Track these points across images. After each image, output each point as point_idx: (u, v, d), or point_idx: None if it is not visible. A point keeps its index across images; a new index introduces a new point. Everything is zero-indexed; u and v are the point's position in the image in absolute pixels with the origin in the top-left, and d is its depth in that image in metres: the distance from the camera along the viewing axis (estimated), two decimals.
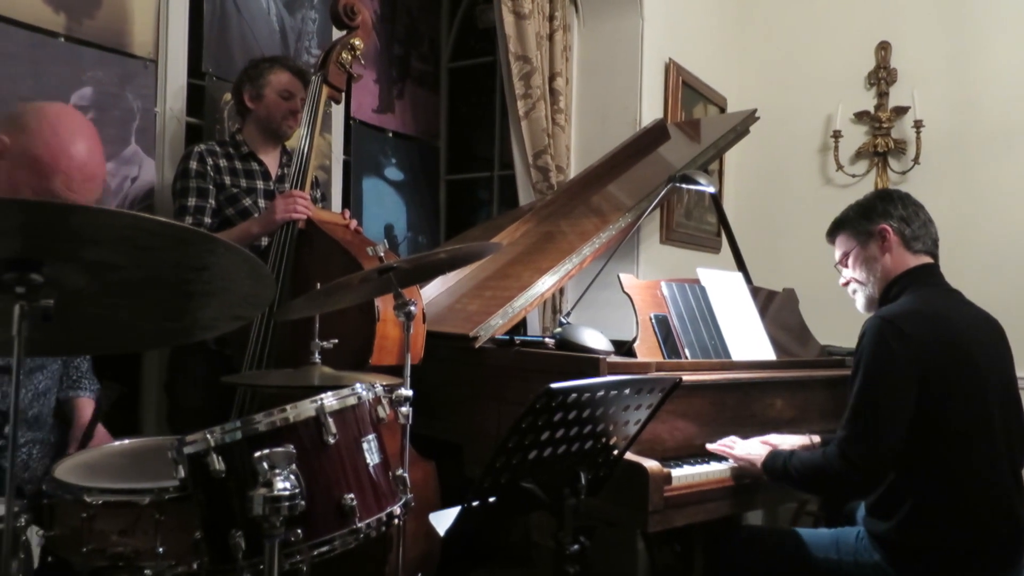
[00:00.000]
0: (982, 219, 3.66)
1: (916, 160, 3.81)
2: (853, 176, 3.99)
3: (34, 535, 1.48)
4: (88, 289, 1.23)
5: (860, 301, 2.12)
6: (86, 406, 2.05)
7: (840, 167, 4.01)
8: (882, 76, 3.95)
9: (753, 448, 2.12)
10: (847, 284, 2.14)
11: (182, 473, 1.40)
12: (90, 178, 1.78)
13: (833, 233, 2.17)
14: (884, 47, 3.95)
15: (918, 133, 3.78)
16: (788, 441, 2.20)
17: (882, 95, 3.95)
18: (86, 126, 1.81)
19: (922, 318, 1.88)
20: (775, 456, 2.01)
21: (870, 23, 3.99)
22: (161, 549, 1.46)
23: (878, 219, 2.05)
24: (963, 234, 3.56)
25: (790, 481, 1.98)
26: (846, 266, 2.13)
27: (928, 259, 2.03)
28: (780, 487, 2.15)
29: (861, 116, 4.01)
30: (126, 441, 1.90)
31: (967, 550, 1.81)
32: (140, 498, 1.47)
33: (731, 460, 2.14)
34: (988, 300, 2.08)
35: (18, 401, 1.15)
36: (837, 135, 3.98)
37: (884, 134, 3.93)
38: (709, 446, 2.19)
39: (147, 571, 1.45)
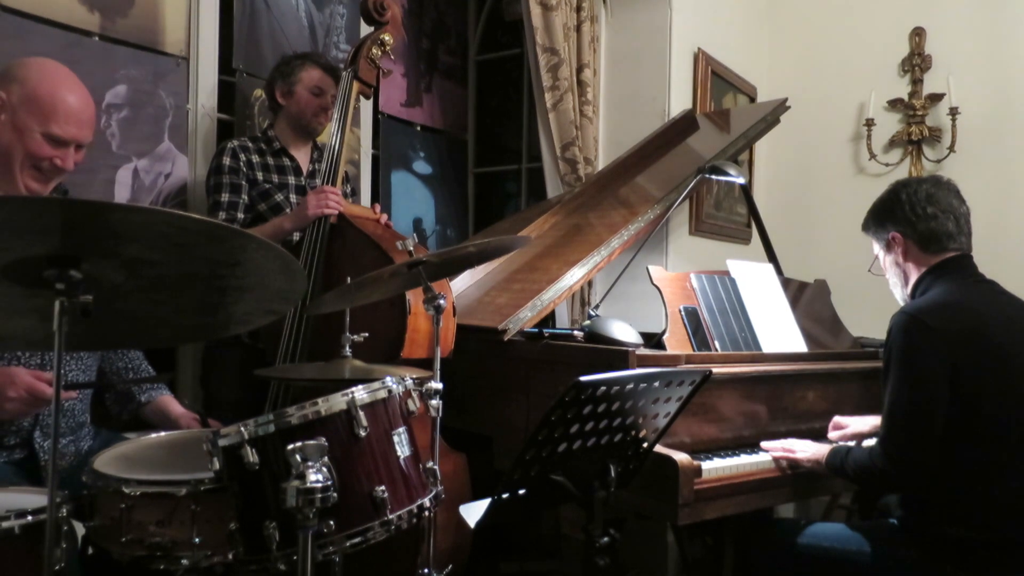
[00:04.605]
0: (1019, 207, 3.59)
1: (951, 148, 3.74)
2: (886, 165, 3.93)
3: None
4: (125, 285, 1.26)
5: (898, 299, 2.10)
6: (170, 401, 2.16)
7: (873, 156, 3.94)
8: (916, 63, 3.88)
9: (811, 447, 2.10)
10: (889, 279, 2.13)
11: (217, 465, 1.42)
12: (86, 109, 1.90)
13: (864, 233, 2.14)
14: (918, 33, 3.88)
15: (953, 120, 3.71)
16: (856, 424, 2.20)
17: (916, 82, 3.88)
18: (68, 70, 1.93)
19: (948, 310, 1.85)
20: (835, 453, 1.99)
21: (904, 8, 3.92)
22: (197, 539, 1.48)
23: (888, 225, 2.02)
24: (1000, 223, 3.50)
25: (848, 478, 1.98)
26: (881, 266, 2.11)
27: (952, 253, 1.97)
28: (811, 481, 2.15)
29: (895, 104, 3.94)
30: (163, 434, 1.93)
31: (1004, 544, 1.79)
32: (177, 489, 1.49)
33: (773, 453, 2.14)
34: None
35: (59, 395, 1.18)
36: (870, 123, 3.92)
37: (918, 122, 3.86)
38: (764, 444, 2.18)
39: (184, 561, 1.48)
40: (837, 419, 2.28)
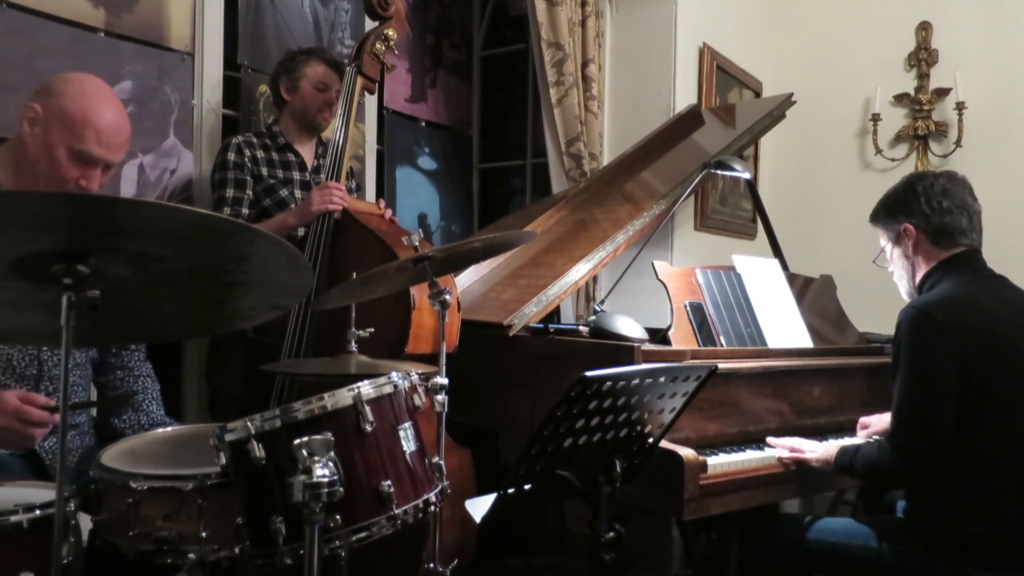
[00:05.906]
0: None
1: (958, 143, 3.73)
2: (892, 160, 3.92)
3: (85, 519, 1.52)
4: (132, 280, 1.26)
5: (902, 293, 2.10)
6: None
7: (879, 151, 3.93)
8: (923, 57, 3.87)
9: (819, 448, 2.10)
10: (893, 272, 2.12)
11: (224, 460, 1.43)
12: (119, 132, 1.84)
13: (873, 224, 2.13)
14: (925, 27, 3.87)
15: (960, 115, 3.70)
16: (879, 423, 2.24)
17: (923, 77, 3.87)
18: (109, 89, 1.89)
19: (956, 305, 1.84)
20: (844, 452, 1.99)
21: (910, 3, 3.90)
22: (204, 534, 1.49)
23: (901, 216, 2.01)
24: (1006, 218, 3.48)
25: (858, 476, 1.99)
26: (887, 258, 2.10)
27: (962, 249, 1.95)
28: (817, 476, 2.15)
29: (901, 98, 3.93)
30: (169, 429, 1.94)
31: (1010, 539, 1.78)
32: (183, 484, 1.50)
33: (781, 454, 2.13)
34: None
35: (67, 390, 1.18)
36: (876, 118, 3.91)
37: (925, 117, 3.85)
38: (771, 441, 2.18)
39: (191, 555, 1.48)
40: (863, 419, 2.31)
